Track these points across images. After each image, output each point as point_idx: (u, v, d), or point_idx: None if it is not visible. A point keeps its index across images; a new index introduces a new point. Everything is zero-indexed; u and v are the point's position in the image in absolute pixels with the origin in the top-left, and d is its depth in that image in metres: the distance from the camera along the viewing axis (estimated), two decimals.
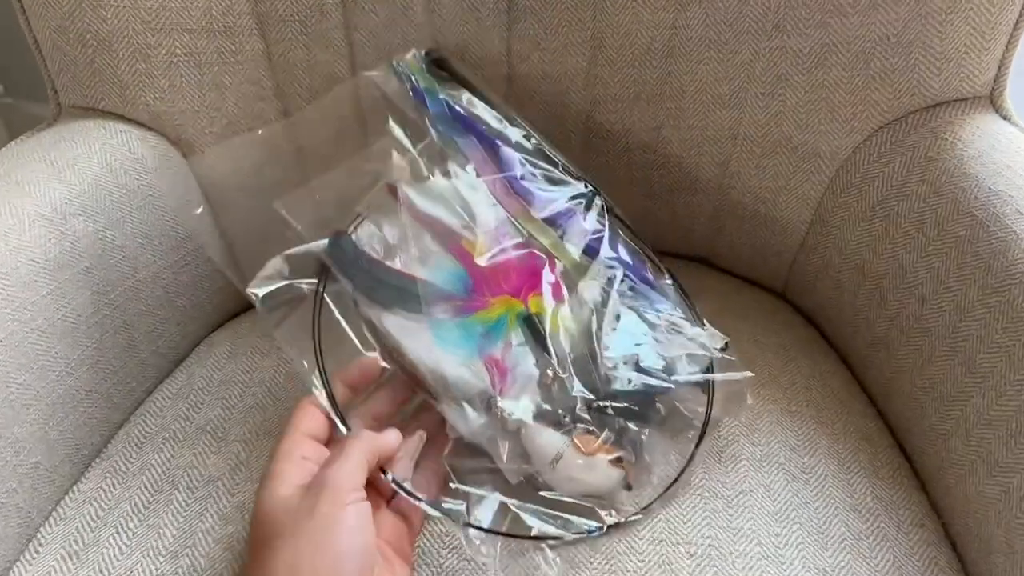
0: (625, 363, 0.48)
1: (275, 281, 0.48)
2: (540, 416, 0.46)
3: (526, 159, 0.54)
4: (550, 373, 0.47)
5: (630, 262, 0.54)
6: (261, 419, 0.57)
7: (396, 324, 0.47)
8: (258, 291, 0.48)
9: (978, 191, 0.51)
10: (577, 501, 0.46)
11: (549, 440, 0.46)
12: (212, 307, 0.67)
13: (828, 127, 0.58)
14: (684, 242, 0.71)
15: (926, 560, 0.48)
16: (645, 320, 0.52)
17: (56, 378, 0.52)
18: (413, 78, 0.56)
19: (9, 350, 0.49)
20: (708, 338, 0.52)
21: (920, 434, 0.53)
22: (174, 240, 0.62)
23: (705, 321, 0.54)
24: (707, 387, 0.52)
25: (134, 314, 0.59)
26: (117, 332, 0.57)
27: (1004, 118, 0.55)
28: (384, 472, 0.44)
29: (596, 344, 0.48)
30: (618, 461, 0.46)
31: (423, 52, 0.60)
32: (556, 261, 0.51)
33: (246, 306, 0.71)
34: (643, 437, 0.48)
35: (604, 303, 0.50)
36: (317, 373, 0.46)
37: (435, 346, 0.46)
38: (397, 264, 0.49)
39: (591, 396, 0.47)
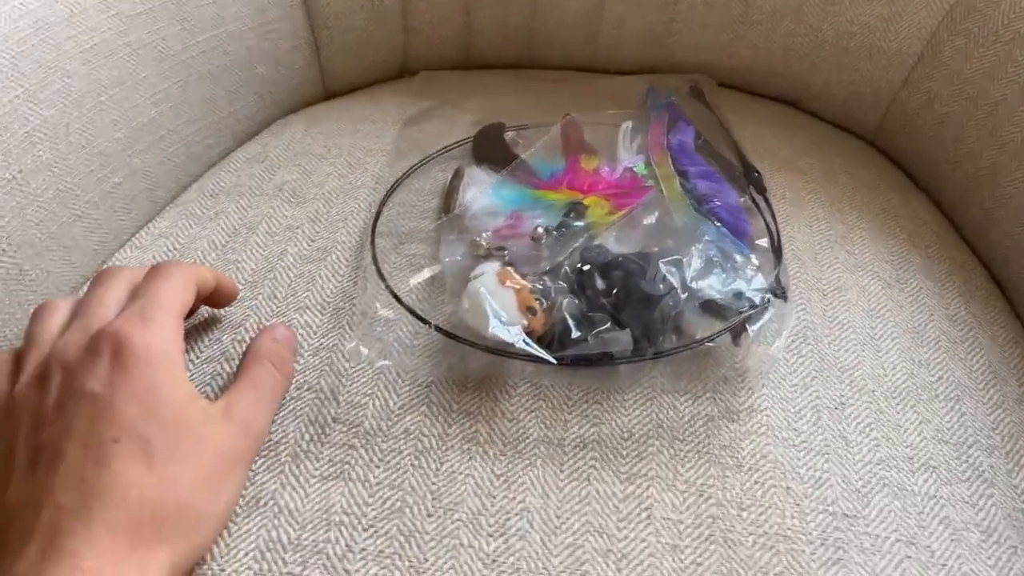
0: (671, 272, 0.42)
1: None
2: (507, 263, 0.45)
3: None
4: (540, 230, 0.46)
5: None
6: (339, 184, 0.55)
7: (473, 172, 0.54)
8: None
9: None
10: None
11: (484, 265, 0.44)
12: (288, 86, 0.65)
13: None
14: (775, 78, 0.69)
15: (1021, 370, 0.47)
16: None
17: (142, 102, 0.51)
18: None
19: (101, 58, 0.47)
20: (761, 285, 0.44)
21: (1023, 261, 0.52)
22: (261, 1, 0.59)
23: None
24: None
25: (217, 67, 0.57)
26: (201, 80, 0.56)
27: None
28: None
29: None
30: (528, 309, 0.41)
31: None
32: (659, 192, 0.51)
33: (323, 96, 0.69)
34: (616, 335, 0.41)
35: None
36: None
37: (485, 192, 0.52)
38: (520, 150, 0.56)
39: (583, 264, 0.43)
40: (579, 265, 0.42)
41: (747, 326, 0.42)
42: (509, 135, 0.59)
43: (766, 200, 0.52)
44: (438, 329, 0.42)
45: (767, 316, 0.42)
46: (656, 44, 0.69)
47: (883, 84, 0.64)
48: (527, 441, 0.39)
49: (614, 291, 0.41)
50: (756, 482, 0.38)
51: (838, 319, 0.47)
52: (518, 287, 0.41)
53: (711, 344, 0.42)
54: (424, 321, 0.42)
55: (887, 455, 0.40)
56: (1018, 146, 0.53)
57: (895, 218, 0.57)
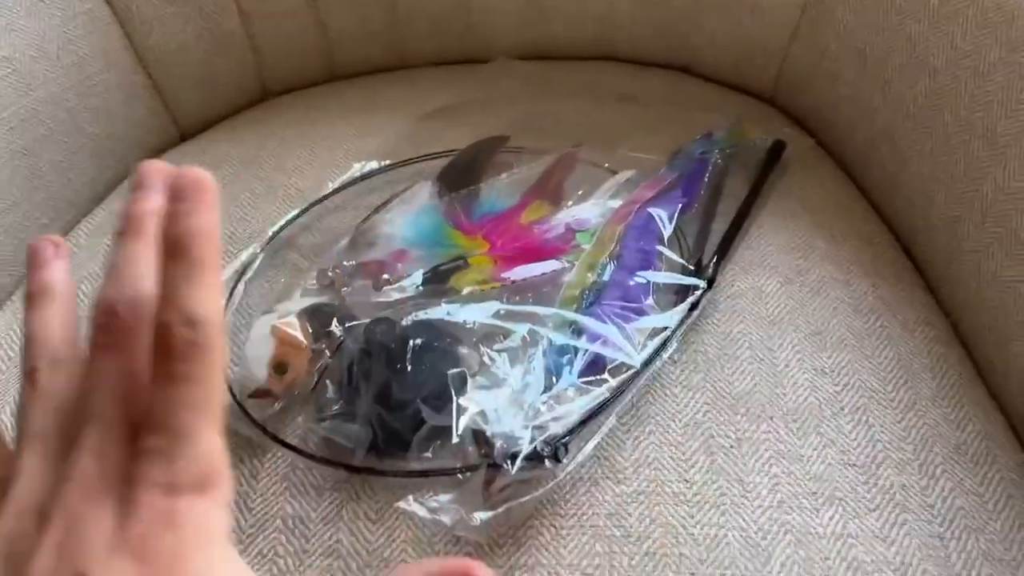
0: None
1: None
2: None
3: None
4: (385, 277, 0.43)
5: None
6: None
7: (420, 189, 0.50)
8: None
9: None
10: None
11: (282, 305, 0.42)
12: (133, 139, 0.59)
13: None
14: (664, 45, 0.64)
15: (934, 357, 0.43)
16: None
17: None
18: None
19: None
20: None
21: (927, 228, 0.48)
22: (75, 56, 0.53)
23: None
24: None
25: (34, 139, 0.51)
26: (14, 158, 0.50)
27: None
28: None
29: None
30: (277, 367, 0.38)
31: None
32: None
33: (174, 142, 0.63)
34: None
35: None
36: None
37: (407, 216, 0.48)
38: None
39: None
40: (362, 344, 0.39)
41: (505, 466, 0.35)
42: (504, 155, 0.54)
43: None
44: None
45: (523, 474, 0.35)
46: (533, 25, 0.64)
47: (771, 40, 0.59)
48: (395, 545, 0.35)
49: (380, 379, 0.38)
50: (647, 553, 0.35)
51: (731, 335, 0.43)
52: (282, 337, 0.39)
53: (460, 476, 0.36)
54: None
55: (788, 494, 0.37)
56: (910, 104, 0.48)
57: (798, 196, 0.52)
